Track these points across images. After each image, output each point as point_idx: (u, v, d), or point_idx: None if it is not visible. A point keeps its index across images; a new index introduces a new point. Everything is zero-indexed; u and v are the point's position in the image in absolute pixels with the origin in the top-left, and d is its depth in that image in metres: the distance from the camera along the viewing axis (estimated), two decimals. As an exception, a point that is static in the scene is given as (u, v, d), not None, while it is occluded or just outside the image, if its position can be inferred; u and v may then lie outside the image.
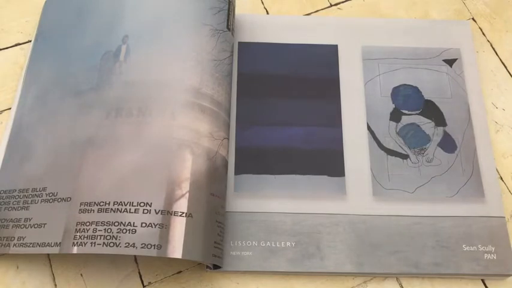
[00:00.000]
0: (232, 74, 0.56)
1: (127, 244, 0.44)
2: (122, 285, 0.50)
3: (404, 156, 0.55)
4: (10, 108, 0.58)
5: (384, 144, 0.55)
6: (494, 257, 0.50)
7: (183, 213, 0.45)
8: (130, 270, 0.50)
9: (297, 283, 0.50)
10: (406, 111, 0.57)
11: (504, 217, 0.52)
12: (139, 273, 0.50)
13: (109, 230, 0.45)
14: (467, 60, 0.60)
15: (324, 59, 0.60)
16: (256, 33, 0.61)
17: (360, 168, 0.54)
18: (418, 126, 0.56)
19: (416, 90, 0.58)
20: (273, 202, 0.52)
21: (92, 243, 0.45)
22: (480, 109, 0.57)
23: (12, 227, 0.49)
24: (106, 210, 0.46)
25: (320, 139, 0.55)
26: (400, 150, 0.55)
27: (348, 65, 0.59)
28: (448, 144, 0.55)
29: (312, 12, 0.64)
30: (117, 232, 0.45)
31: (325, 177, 0.53)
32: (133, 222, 0.45)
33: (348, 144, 0.55)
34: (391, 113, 0.57)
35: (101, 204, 0.46)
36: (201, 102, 0.50)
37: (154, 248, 0.44)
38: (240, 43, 0.60)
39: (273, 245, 0.50)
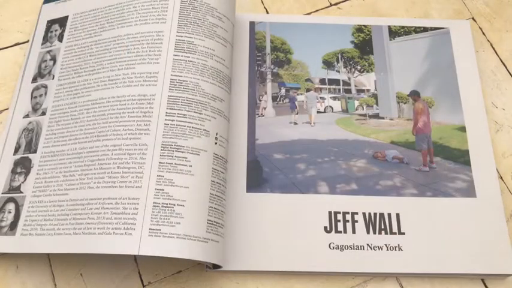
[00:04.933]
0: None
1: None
2: (122, 285, 0.50)
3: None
4: (8, 109, 0.57)
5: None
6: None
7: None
8: (130, 270, 0.50)
9: (297, 283, 0.50)
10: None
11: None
12: (139, 273, 0.50)
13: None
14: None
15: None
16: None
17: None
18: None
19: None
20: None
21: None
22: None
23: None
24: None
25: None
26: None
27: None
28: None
29: (311, 12, 0.64)
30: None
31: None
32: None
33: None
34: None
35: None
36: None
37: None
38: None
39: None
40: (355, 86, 0.60)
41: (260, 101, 0.58)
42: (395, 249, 0.50)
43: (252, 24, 0.61)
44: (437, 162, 0.55)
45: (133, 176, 0.47)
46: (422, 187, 0.53)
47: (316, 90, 0.59)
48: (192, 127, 0.49)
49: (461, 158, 0.55)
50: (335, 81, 0.59)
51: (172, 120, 0.49)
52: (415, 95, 0.58)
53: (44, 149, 0.52)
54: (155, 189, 0.46)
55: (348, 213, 0.52)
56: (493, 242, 0.50)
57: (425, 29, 0.61)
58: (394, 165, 0.55)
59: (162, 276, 0.50)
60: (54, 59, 0.58)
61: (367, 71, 0.60)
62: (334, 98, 0.59)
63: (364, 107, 0.59)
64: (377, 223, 0.51)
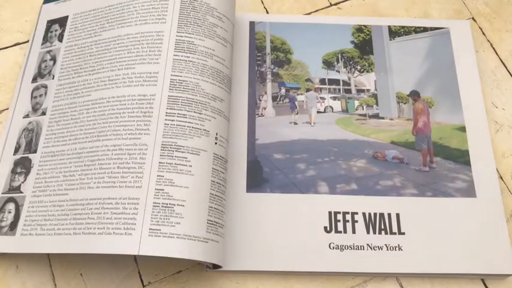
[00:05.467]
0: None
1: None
2: (122, 285, 0.50)
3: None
4: (8, 109, 0.57)
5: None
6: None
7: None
8: (130, 270, 0.50)
9: (297, 283, 0.50)
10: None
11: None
12: (139, 273, 0.50)
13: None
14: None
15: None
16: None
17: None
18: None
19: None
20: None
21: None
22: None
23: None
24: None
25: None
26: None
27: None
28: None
29: (311, 12, 0.64)
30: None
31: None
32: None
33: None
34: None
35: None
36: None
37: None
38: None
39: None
40: (355, 86, 0.60)
41: (260, 101, 0.58)
42: (395, 249, 0.50)
43: (252, 24, 0.61)
44: (437, 162, 0.55)
45: (133, 176, 0.47)
46: (422, 187, 0.53)
47: (316, 90, 0.59)
48: (192, 127, 0.49)
49: (461, 158, 0.55)
50: (335, 81, 0.59)
51: (172, 120, 0.49)
52: (415, 95, 0.58)
53: (44, 149, 0.52)
54: (155, 189, 0.46)
55: (348, 213, 0.52)
56: (493, 242, 0.50)
57: (425, 29, 0.61)
58: (394, 165, 0.55)
59: (162, 276, 0.50)
60: (54, 59, 0.58)
61: (367, 71, 0.60)
62: (334, 98, 0.59)
63: (364, 107, 0.59)
64: (377, 223, 0.51)
